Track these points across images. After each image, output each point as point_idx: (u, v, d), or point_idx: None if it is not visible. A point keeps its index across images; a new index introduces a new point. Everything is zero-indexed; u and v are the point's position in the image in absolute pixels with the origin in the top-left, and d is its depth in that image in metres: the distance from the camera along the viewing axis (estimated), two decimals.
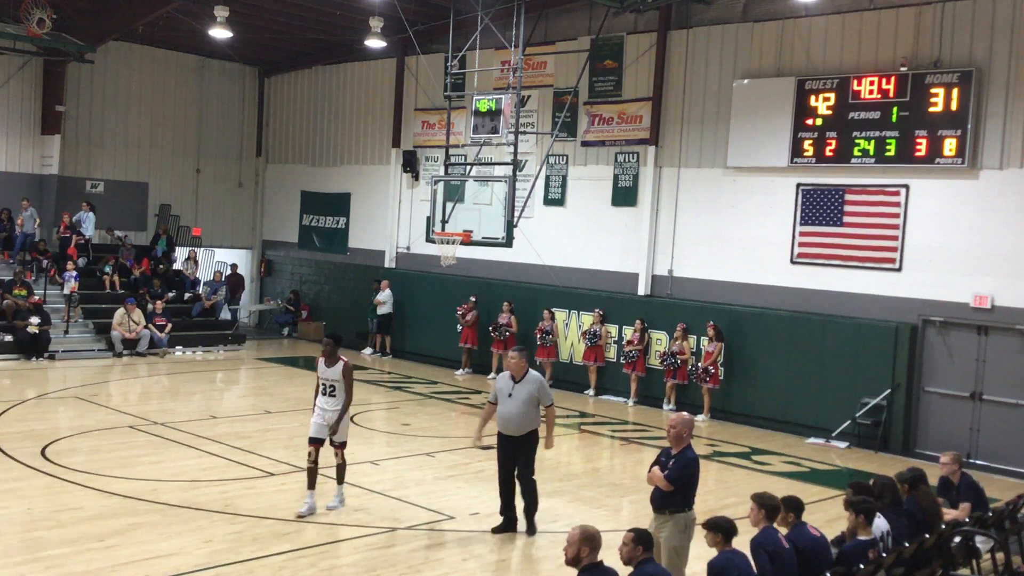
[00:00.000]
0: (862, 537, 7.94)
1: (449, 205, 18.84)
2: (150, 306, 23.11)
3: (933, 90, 16.29)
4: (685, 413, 8.61)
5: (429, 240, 20.95)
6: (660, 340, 19.36)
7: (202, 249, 27.27)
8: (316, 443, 10.74)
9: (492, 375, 21.50)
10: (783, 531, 7.60)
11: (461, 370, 21.96)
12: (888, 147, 16.77)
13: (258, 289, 29.37)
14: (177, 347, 23.21)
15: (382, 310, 23.96)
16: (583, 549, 6.43)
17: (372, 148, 26.04)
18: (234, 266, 27.43)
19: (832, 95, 17.41)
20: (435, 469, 13.36)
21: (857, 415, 16.72)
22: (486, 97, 17.63)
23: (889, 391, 16.60)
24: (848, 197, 17.37)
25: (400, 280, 24.31)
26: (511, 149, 17.98)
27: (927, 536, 8.53)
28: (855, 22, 17.50)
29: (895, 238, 16.87)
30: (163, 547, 9.41)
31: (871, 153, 16.96)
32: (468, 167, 20.05)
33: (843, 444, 16.67)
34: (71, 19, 22.77)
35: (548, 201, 21.82)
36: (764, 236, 18.42)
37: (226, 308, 25.81)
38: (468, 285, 22.41)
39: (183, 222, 27.33)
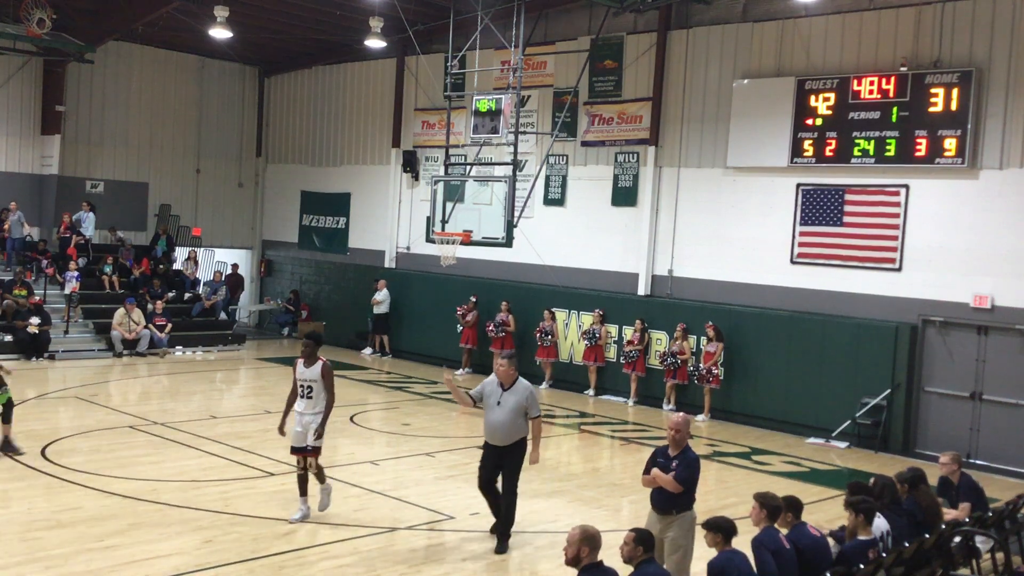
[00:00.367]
0: (862, 537, 7.94)
1: (449, 205, 18.84)
2: (150, 306, 23.12)
3: (933, 90, 16.29)
4: (683, 414, 8.62)
5: (429, 240, 20.96)
6: (660, 340, 19.36)
7: (202, 249, 27.26)
8: (299, 452, 10.41)
9: (492, 375, 21.47)
10: (783, 531, 7.60)
11: (461, 370, 21.95)
12: (888, 147, 16.77)
13: (258, 289, 29.38)
14: (177, 347, 23.22)
15: (379, 310, 23.97)
16: (583, 549, 6.44)
17: (372, 148, 26.04)
18: (235, 266, 27.45)
19: (832, 95, 17.41)
20: (435, 469, 13.35)
21: (857, 415, 16.72)
22: (486, 97, 17.62)
23: (889, 391, 16.60)
24: (848, 197, 17.37)
25: (400, 280, 24.32)
26: (511, 149, 17.98)
27: (927, 536, 8.53)
28: (855, 22, 17.50)
29: (895, 238, 16.87)
30: (163, 547, 9.41)
31: (871, 153, 16.96)
32: (468, 167, 20.04)
33: (843, 444, 16.67)
34: (71, 19, 22.77)
35: (548, 201, 21.82)
36: (764, 236, 18.42)
37: (221, 307, 25.79)
38: (468, 285, 22.41)
39: (183, 222, 27.34)
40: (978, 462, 15.63)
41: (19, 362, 20.30)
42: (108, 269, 23.98)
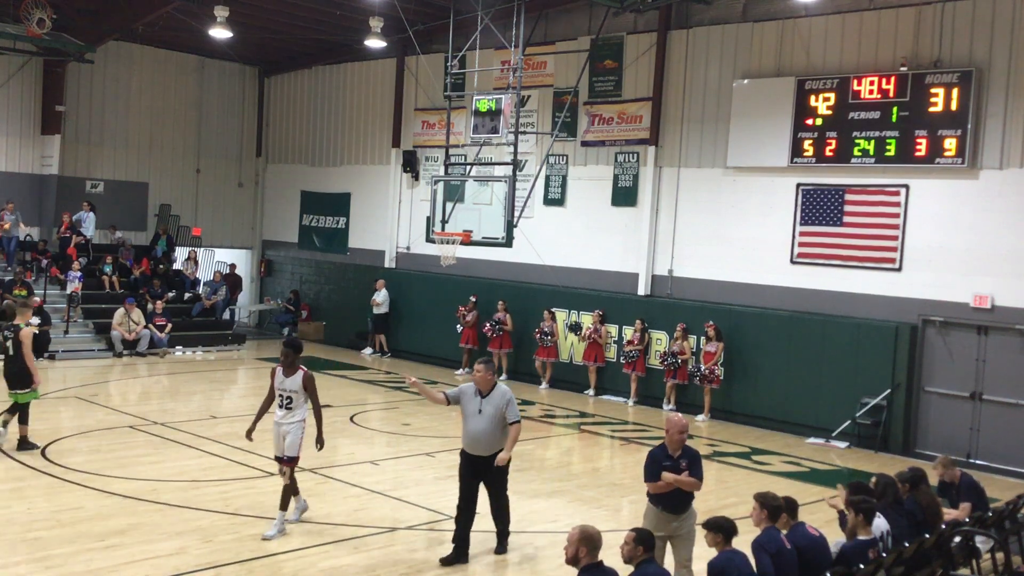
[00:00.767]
0: (862, 537, 7.94)
1: (449, 205, 18.84)
2: (150, 306, 23.12)
3: (933, 90, 16.29)
4: (681, 415, 8.65)
5: (429, 240, 20.96)
6: (660, 340, 19.36)
7: (202, 249, 27.26)
8: (282, 461, 10.16)
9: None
10: (782, 532, 7.60)
11: (461, 370, 21.95)
12: (888, 147, 16.77)
13: (258, 289, 29.38)
14: (177, 347, 23.22)
15: (378, 310, 23.97)
16: (581, 549, 6.46)
17: (372, 148, 26.04)
18: (232, 266, 27.39)
19: (832, 95, 17.41)
20: (435, 469, 13.35)
21: (857, 415, 16.72)
22: (486, 97, 17.63)
23: (889, 391, 16.60)
24: (848, 197, 17.37)
25: (400, 280, 24.32)
26: (511, 149, 17.99)
27: (927, 536, 8.53)
28: (855, 22, 17.50)
29: (895, 238, 16.87)
30: (163, 547, 9.41)
31: (871, 153, 16.96)
32: (468, 167, 20.05)
33: (843, 444, 16.67)
34: (71, 19, 22.78)
35: (548, 201, 21.82)
36: (764, 236, 18.42)
37: (221, 307, 25.78)
38: (468, 285, 22.41)
39: (183, 222, 27.34)
40: (978, 462, 15.64)
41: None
42: (108, 269, 23.98)
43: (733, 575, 6.85)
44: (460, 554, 9.55)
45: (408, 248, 24.88)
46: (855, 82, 17.14)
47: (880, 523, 8.26)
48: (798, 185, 17.97)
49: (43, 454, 12.76)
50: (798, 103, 17.80)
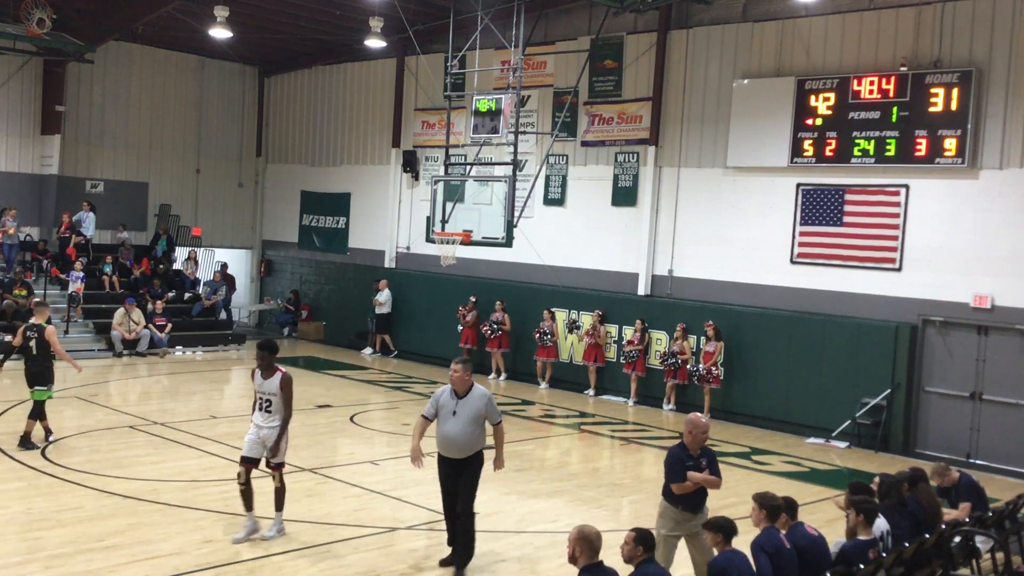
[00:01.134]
0: (862, 537, 7.94)
1: (449, 205, 18.84)
2: (150, 306, 23.12)
3: (933, 90, 16.30)
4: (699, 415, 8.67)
5: (429, 240, 20.97)
6: (660, 340, 19.36)
7: (202, 249, 27.25)
8: (248, 463, 9.75)
9: (492, 375, 21.53)
10: (781, 532, 7.60)
11: None
12: (888, 147, 16.78)
13: (258, 289, 29.38)
14: (177, 347, 23.22)
15: (381, 310, 23.97)
16: (577, 548, 6.49)
17: (372, 148, 26.04)
18: (224, 265, 27.07)
19: (832, 95, 17.41)
20: (435, 469, 13.29)
21: (857, 415, 16.72)
22: (486, 97, 17.63)
23: (889, 391, 16.60)
24: (848, 197, 17.37)
25: (400, 280, 24.32)
26: (511, 149, 17.99)
27: (927, 536, 8.53)
28: (855, 22, 17.50)
29: (895, 238, 16.88)
30: (163, 547, 9.41)
31: (871, 153, 16.96)
32: (468, 167, 20.05)
33: (843, 444, 16.68)
34: (71, 19, 22.78)
35: (548, 201, 21.82)
36: (764, 236, 18.42)
37: (221, 307, 25.74)
38: (468, 285, 22.42)
39: (183, 222, 27.34)
40: (978, 462, 15.64)
41: (19, 362, 20.28)
42: (108, 269, 23.98)
43: (733, 575, 6.86)
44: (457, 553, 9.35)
45: (408, 248, 24.89)
46: (855, 82, 17.14)
47: (880, 523, 8.26)
48: (798, 185, 17.97)
49: (43, 454, 12.77)
50: (798, 103, 17.80)
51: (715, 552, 7.30)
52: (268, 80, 29.00)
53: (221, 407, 18.04)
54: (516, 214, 18.13)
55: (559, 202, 21.69)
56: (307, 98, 27.83)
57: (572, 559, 6.54)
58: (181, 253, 26.55)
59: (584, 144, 21.19)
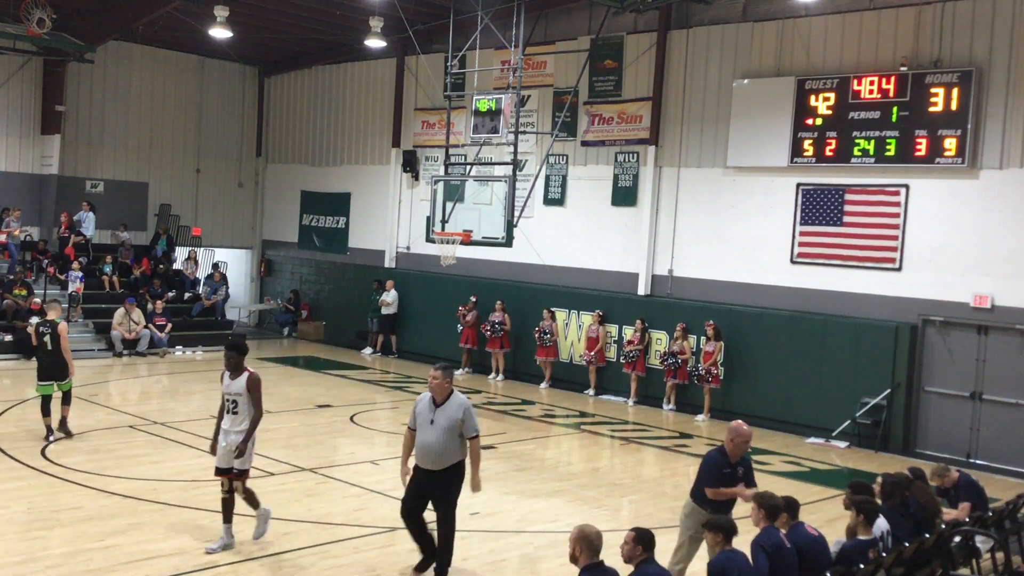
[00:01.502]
0: (862, 537, 7.94)
1: (449, 205, 18.84)
2: (150, 306, 23.12)
3: (933, 90, 16.29)
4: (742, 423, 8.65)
5: (429, 240, 20.97)
6: (660, 340, 19.35)
7: (202, 249, 27.24)
8: (224, 473, 9.46)
9: (492, 375, 21.54)
10: (781, 531, 7.60)
11: (461, 370, 21.96)
12: (888, 147, 16.77)
13: (258, 289, 29.37)
14: (177, 347, 23.21)
15: (388, 310, 23.96)
16: (577, 548, 6.52)
17: (372, 148, 26.04)
18: (215, 265, 26.76)
19: (832, 95, 17.41)
20: None
21: (857, 415, 16.71)
22: (486, 97, 17.63)
23: (889, 391, 16.60)
24: (848, 197, 17.37)
25: (400, 280, 24.31)
26: (511, 149, 17.99)
27: (927, 536, 8.53)
28: (855, 22, 17.49)
29: (895, 238, 16.87)
30: (163, 547, 9.40)
31: (871, 153, 16.96)
32: (468, 167, 20.05)
33: (843, 444, 16.67)
34: (71, 19, 22.78)
35: (548, 201, 21.82)
36: (764, 236, 18.42)
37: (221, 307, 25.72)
38: (468, 285, 22.41)
39: (183, 222, 27.34)
40: (978, 462, 15.64)
41: (19, 362, 20.33)
42: (108, 269, 23.98)
43: (733, 575, 6.86)
44: (430, 555, 9.00)
45: (408, 248, 24.88)
46: (855, 82, 17.14)
47: (880, 523, 8.26)
48: (798, 185, 17.96)
49: (43, 454, 12.76)
50: (798, 103, 17.80)
51: (715, 552, 7.30)
52: (268, 80, 29.00)
53: None
54: (516, 214, 18.13)
55: (559, 202, 21.69)
56: (307, 98, 27.82)
57: (573, 559, 6.57)
58: (181, 253, 26.54)
59: (584, 144, 21.19)
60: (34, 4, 21.06)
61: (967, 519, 9.42)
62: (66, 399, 13.89)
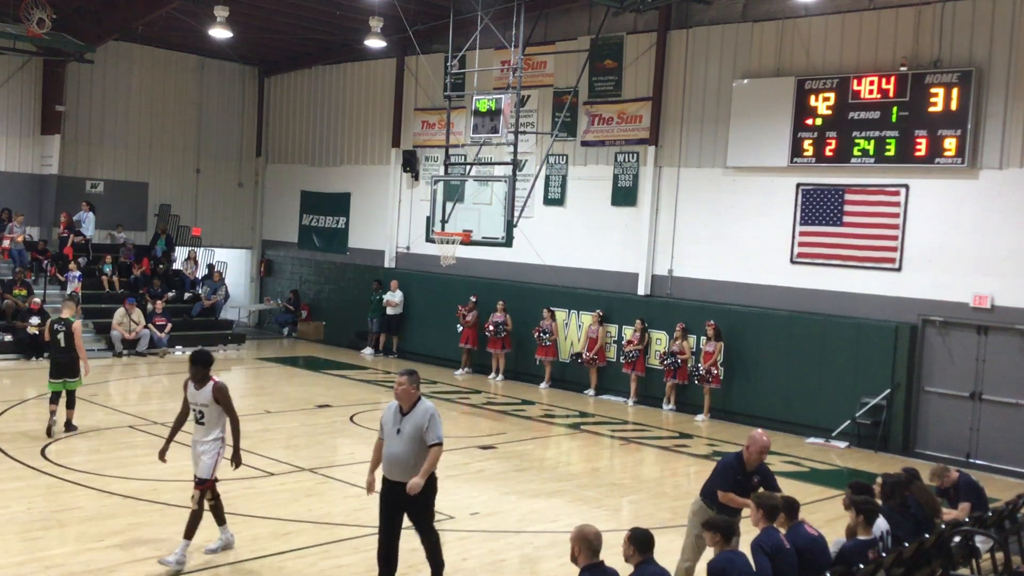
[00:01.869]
0: (862, 537, 7.94)
1: (449, 205, 18.84)
2: (150, 306, 23.11)
3: (933, 90, 16.30)
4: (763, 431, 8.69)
5: (429, 240, 20.97)
6: (660, 340, 19.36)
7: (202, 249, 27.23)
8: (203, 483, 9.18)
9: (492, 375, 21.54)
10: (781, 531, 7.60)
11: (461, 370, 21.97)
12: (888, 147, 16.77)
13: (258, 289, 29.37)
14: (177, 347, 23.21)
15: (393, 311, 23.94)
16: (576, 548, 6.54)
17: (372, 148, 26.04)
18: (210, 266, 26.67)
19: (832, 95, 17.41)
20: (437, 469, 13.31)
21: (857, 415, 16.72)
22: (486, 97, 17.63)
23: (889, 391, 16.60)
24: (848, 197, 17.37)
25: (400, 280, 24.30)
26: (511, 149, 17.98)
27: (927, 536, 8.53)
28: (855, 22, 17.50)
29: (895, 238, 16.88)
30: (163, 547, 9.38)
31: (871, 153, 16.96)
32: (468, 167, 20.04)
33: (843, 444, 16.68)
34: (71, 19, 22.76)
35: (548, 201, 21.82)
36: (764, 236, 18.42)
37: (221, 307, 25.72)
38: (468, 285, 22.41)
39: (183, 222, 27.33)
40: (978, 462, 15.64)
41: (18, 362, 20.34)
42: (108, 269, 23.98)
43: (733, 575, 6.86)
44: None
45: (408, 248, 24.88)
46: (855, 82, 17.14)
47: (880, 523, 8.26)
48: (798, 185, 17.97)
49: (43, 454, 12.76)
50: (798, 103, 17.80)
51: (715, 551, 7.30)
52: (268, 80, 29.00)
53: None
54: (516, 214, 18.13)
55: (559, 202, 21.69)
56: (307, 98, 27.82)
57: (574, 559, 6.59)
58: (181, 253, 26.53)
59: (584, 144, 21.19)
60: (34, 4, 21.05)
61: (967, 519, 9.43)
62: (70, 402, 13.98)
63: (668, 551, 8.40)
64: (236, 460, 9.25)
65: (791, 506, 7.78)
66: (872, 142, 16.94)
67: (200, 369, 9.10)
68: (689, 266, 19.59)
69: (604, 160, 20.91)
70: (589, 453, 15.80)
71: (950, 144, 16.11)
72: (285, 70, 28.40)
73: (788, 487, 11.75)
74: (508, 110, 17.39)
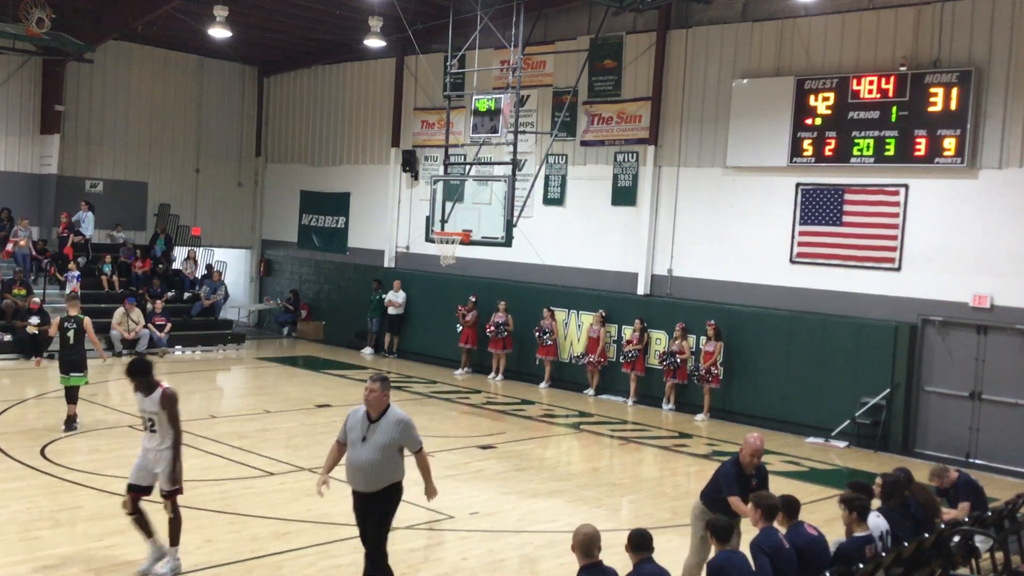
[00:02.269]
0: (858, 533, 7.95)
1: (448, 205, 18.85)
2: (149, 306, 23.11)
3: (932, 90, 16.30)
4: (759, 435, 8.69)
5: (428, 240, 20.96)
6: (659, 340, 19.36)
7: (201, 248, 27.23)
8: (134, 491, 8.69)
9: (492, 375, 21.54)
10: (781, 531, 7.60)
11: (460, 370, 21.97)
12: (887, 147, 16.78)
13: (257, 289, 29.37)
14: (176, 347, 23.22)
15: (395, 311, 23.93)
16: (575, 547, 6.54)
17: (371, 148, 26.04)
18: (209, 266, 26.59)
19: (831, 95, 17.42)
20: (434, 468, 13.24)
21: (856, 414, 16.72)
22: (485, 96, 17.64)
23: (888, 391, 16.60)
24: (847, 197, 17.37)
25: (400, 280, 24.30)
26: (510, 149, 17.99)
27: (926, 536, 8.53)
28: (854, 22, 17.50)
29: (894, 238, 16.88)
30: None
31: (870, 153, 16.97)
32: (467, 167, 20.05)
33: (842, 444, 16.68)
34: (70, 18, 22.76)
35: (547, 201, 21.82)
36: (763, 236, 18.42)
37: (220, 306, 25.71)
38: (468, 285, 22.41)
39: (182, 221, 27.32)
40: (978, 462, 15.65)
41: (18, 361, 20.34)
42: (107, 269, 23.97)
43: (732, 575, 6.86)
44: None
45: (408, 248, 24.88)
46: (854, 82, 17.14)
47: (880, 523, 8.27)
48: (797, 185, 17.97)
49: (43, 454, 12.76)
50: (797, 103, 17.80)
51: (714, 551, 7.31)
52: (268, 80, 28.99)
53: (220, 407, 18.03)
54: (515, 214, 18.14)
55: (558, 202, 21.69)
56: (307, 98, 27.82)
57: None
58: (180, 253, 26.52)
59: (583, 144, 21.19)
60: (33, 3, 21.03)
61: (966, 519, 9.43)
62: (72, 397, 14.28)
63: (667, 551, 8.40)
64: (172, 478, 8.62)
65: (791, 505, 7.78)
66: (871, 142, 16.95)
67: (139, 379, 8.65)
68: (689, 266, 19.60)
69: (604, 160, 20.91)
70: (589, 453, 15.81)
71: (949, 144, 16.11)
72: (285, 70, 28.40)
73: (788, 487, 11.76)
74: (508, 110, 17.40)
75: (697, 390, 18.53)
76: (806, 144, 17.71)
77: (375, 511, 7.85)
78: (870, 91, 16.95)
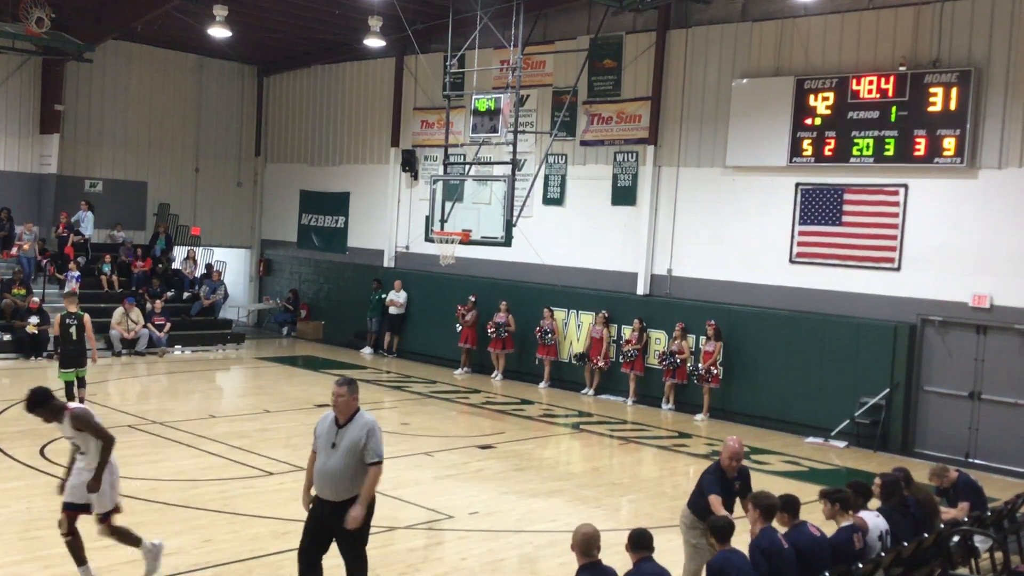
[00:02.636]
0: (843, 524, 7.94)
1: (448, 204, 18.84)
2: (149, 305, 23.10)
3: (932, 90, 16.30)
4: (737, 439, 8.68)
5: (428, 239, 20.98)
6: (659, 340, 19.36)
7: (200, 248, 27.22)
8: (69, 510, 8.25)
9: (493, 374, 21.53)
10: (782, 531, 7.59)
11: (460, 369, 21.97)
12: (887, 147, 16.78)
13: (257, 288, 29.36)
14: (176, 346, 23.21)
15: (397, 310, 23.92)
16: (574, 547, 6.55)
17: (371, 147, 26.04)
18: (209, 266, 26.54)
19: (831, 95, 17.42)
20: (433, 468, 13.35)
21: (856, 414, 16.72)
22: (485, 96, 17.62)
23: (888, 390, 16.60)
24: (847, 197, 17.37)
25: (399, 279, 24.29)
26: (510, 148, 17.97)
27: (926, 535, 8.54)
28: (854, 22, 17.50)
29: (894, 238, 16.88)
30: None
31: (870, 153, 16.97)
32: (467, 166, 20.04)
33: (842, 443, 16.68)
34: (70, 18, 22.75)
35: (547, 200, 21.82)
36: (763, 236, 18.42)
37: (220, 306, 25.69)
38: (467, 285, 22.41)
39: (182, 221, 27.31)
40: (977, 462, 15.65)
41: (17, 361, 20.33)
42: (107, 268, 23.97)
43: (732, 574, 6.86)
44: None
45: (407, 247, 24.88)
46: (854, 82, 17.14)
47: (879, 523, 8.26)
48: (797, 185, 17.97)
49: (42, 453, 12.76)
50: (797, 103, 17.80)
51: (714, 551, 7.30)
52: (267, 79, 28.99)
53: (220, 407, 18.03)
54: (515, 213, 18.13)
55: (558, 201, 21.69)
56: (306, 98, 27.81)
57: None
58: (180, 252, 26.51)
59: (583, 143, 21.19)
60: (33, 3, 21.02)
61: (966, 519, 9.44)
62: (81, 383, 15.05)
63: (667, 550, 8.40)
64: (93, 484, 8.18)
65: (791, 505, 7.76)
66: (871, 142, 16.95)
67: (42, 412, 8.24)
68: (688, 266, 19.59)
69: (603, 160, 20.91)
70: (588, 453, 15.82)
71: (949, 144, 16.11)
72: (284, 69, 28.39)
73: (787, 487, 11.76)
74: (507, 109, 17.39)
75: (697, 390, 18.53)
76: (806, 144, 17.71)
77: (343, 526, 7.33)
78: (870, 91, 16.96)
